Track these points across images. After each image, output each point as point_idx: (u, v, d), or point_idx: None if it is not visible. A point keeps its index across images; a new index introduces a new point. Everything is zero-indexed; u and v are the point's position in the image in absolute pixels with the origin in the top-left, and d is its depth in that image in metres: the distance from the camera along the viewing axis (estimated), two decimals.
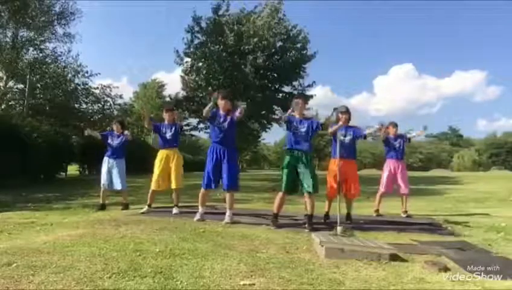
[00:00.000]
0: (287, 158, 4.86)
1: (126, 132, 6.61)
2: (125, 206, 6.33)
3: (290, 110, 4.95)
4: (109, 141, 6.48)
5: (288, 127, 4.89)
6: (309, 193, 4.69)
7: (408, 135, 6.65)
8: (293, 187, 4.85)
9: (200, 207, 5.18)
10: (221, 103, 5.14)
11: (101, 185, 6.47)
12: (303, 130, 4.81)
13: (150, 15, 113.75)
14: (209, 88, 17.97)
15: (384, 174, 6.46)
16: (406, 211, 6.26)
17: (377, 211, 6.34)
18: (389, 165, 6.45)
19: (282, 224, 4.88)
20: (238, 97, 15.90)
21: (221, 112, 5.13)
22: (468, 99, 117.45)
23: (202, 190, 5.18)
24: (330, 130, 5.15)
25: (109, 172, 6.43)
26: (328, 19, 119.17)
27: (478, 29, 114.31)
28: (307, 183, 4.69)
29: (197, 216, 5.08)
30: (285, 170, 4.83)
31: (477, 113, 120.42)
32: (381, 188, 6.44)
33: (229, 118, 5.09)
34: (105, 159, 6.50)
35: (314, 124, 4.86)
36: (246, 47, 16.55)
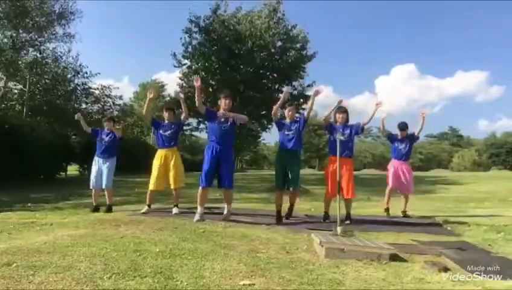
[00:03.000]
0: (278, 156, 5.58)
1: (118, 127, 6.40)
2: (109, 208, 6.09)
3: (279, 103, 5.45)
4: (98, 139, 6.23)
5: (279, 129, 5.48)
6: (294, 188, 5.39)
7: (416, 132, 6.44)
8: (284, 181, 5.38)
9: (198, 207, 5.13)
10: (222, 102, 5.25)
11: (91, 187, 6.26)
12: (292, 131, 5.36)
13: (152, 15, 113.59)
14: (209, 89, 18.00)
15: (390, 172, 6.38)
16: (405, 211, 6.24)
17: (387, 209, 6.24)
18: (393, 164, 6.37)
19: (282, 223, 4.88)
20: (238, 98, 15.97)
21: (221, 112, 5.20)
22: (470, 100, 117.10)
23: (200, 189, 5.18)
24: (323, 118, 5.77)
25: (99, 172, 6.18)
26: (330, 19, 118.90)
27: (480, 30, 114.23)
28: (292, 179, 5.29)
29: (197, 217, 5.03)
30: (277, 169, 5.48)
31: (479, 114, 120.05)
32: (389, 184, 6.34)
33: (230, 118, 5.17)
34: (96, 158, 6.25)
35: (301, 123, 5.42)
36: (244, 48, 16.55)
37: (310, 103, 5.78)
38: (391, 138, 6.45)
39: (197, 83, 5.19)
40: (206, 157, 5.15)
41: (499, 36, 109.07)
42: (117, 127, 6.46)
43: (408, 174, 6.28)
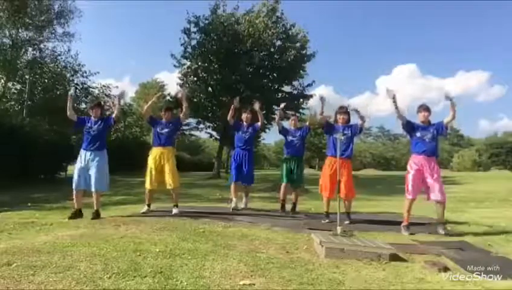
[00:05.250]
0: (285, 160, 6.34)
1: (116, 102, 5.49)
2: (96, 215, 5.20)
3: (278, 118, 6.74)
4: (85, 129, 5.35)
5: (284, 135, 6.32)
6: (296, 186, 6.20)
7: (445, 120, 4.84)
8: (289, 178, 6.16)
9: (233, 198, 6.35)
10: (243, 116, 6.46)
11: (74, 187, 5.27)
12: (296, 138, 6.22)
13: (154, 15, 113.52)
14: (209, 88, 17.98)
15: (409, 175, 4.82)
16: (444, 226, 4.74)
17: (407, 227, 4.77)
18: (415, 162, 4.83)
19: (282, 223, 4.90)
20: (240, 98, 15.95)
21: (245, 124, 6.43)
22: (471, 99, 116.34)
23: (232, 184, 6.42)
24: (318, 118, 5.69)
25: (85, 168, 5.22)
26: (331, 19, 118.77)
27: (481, 30, 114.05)
28: (296, 178, 6.15)
29: (232, 205, 6.26)
30: (283, 168, 6.26)
31: (480, 113, 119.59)
32: (407, 194, 4.86)
33: (250, 129, 6.41)
34: (82, 152, 5.30)
35: (304, 131, 6.29)
36: (243, 47, 16.55)
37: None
38: (410, 125, 4.92)
39: (234, 103, 6.30)
40: (232, 159, 6.55)
41: (501, 36, 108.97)
42: (115, 104, 5.56)
43: (437, 174, 4.77)
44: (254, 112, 6.49)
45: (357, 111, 5.46)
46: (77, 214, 5.20)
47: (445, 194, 4.81)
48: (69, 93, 5.50)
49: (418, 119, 4.96)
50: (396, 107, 4.87)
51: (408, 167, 4.92)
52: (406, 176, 4.90)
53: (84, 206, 5.95)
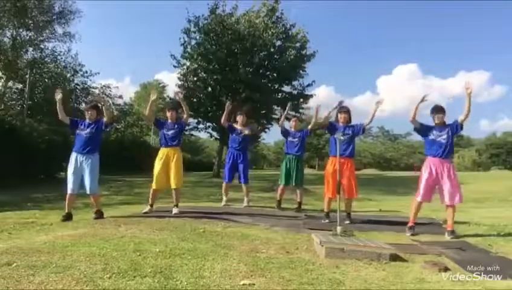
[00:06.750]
0: (284, 160, 6.52)
1: (106, 110, 5.27)
2: (99, 214, 5.21)
3: (282, 119, 7.01)
4: (77, 131, 5.20)
5: (285, 136, 6.58)
6: (297, 185, 6.41)
7: (460, 118, 4.67)
8: (288, 180, 6.37)
9: (224, 197, 6.80)
10: (238, 118, 6.77)
11: (68, 191, 5.16)
12: (296, 139, 6.47)
13: (153, 15, 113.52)
14: (209, 88, 17.97)
15: (423, 177, 4.69)
16: (452, 231, 4.47)
17: (411, 227, 4.69)
18: (430, 165, 4.67)
19: (282, 223, 4.89)
20: (237, 98, 15.99)
21: (239, 126, 6.71)
22: (472, 99, 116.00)
23: (224, 184, 6.84)
24: (322, 118, 5.73)
25: (78, 172, 5.11)
26: (331, 18, 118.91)
27: (482, 30, 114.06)
28: (296, 178, 6.32)
29: (223, 203, 6.71)
30: (283, 169, 6.44)
31: (480, 113, 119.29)
32: (417, 197, 4.74)
33: (244, 130, 6.67)
34: (73, 155, 5.14)
35: (305, 134, 6.56)
36: (243, 47, 16.54)
37: (312, 120, 6.68)
38: (424, 128, 4.81)
39: (227, 106, 6.57)
40: (227, 160, 6.90)
41: (501, 36, 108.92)
42: (105, 109, 5.33)
43: (453, 176, 4.58)
44: (248, 115, 6.86)
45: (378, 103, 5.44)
46: (68, 218, 5.08)
47: (459, 197, 4.52)
48: (57, 97, 5.17)
49: (432, 121, 4.79)
50: (415, 114, 4.76)
51: (422, 169, 4.78)
52: (419, 178, 4.78)
53: (84, 206, 5.99)
